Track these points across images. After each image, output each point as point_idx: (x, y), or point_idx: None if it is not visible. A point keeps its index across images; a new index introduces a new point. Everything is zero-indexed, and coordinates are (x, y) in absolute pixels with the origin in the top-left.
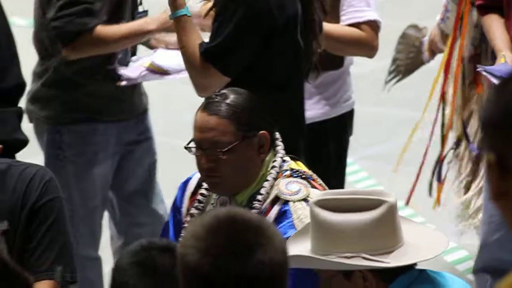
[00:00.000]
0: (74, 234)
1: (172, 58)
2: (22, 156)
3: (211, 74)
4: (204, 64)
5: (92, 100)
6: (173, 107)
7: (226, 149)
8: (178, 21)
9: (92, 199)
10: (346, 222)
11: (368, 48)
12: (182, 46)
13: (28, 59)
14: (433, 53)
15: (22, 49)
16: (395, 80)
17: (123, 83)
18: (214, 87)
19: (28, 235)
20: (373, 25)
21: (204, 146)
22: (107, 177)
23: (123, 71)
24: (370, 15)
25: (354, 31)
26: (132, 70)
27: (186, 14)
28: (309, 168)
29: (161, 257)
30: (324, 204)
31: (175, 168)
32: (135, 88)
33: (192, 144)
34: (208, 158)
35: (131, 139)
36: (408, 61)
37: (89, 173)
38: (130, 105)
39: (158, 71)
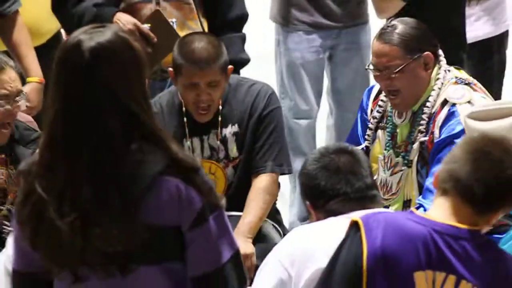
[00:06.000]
0: None
1: None
2: None
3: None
4: None
5: None
6: None
7: (397, 70)
8: None
9: None
10: (493, 127)
11: None
12: None
13: None
14: None
15: None
16: None
17: None
18: (392, 10)
19: (255, 137)
20: None
21: (380, 69)
22: None
23: None
24: None
25: None
26: None
27: None
28: (476, 76)
29: (340, 158)
30: (474, 116)
31: None
32: None
33: (371, 66)
34: (384, 77)
35: None
36: None
37: None
38: None
39: None
